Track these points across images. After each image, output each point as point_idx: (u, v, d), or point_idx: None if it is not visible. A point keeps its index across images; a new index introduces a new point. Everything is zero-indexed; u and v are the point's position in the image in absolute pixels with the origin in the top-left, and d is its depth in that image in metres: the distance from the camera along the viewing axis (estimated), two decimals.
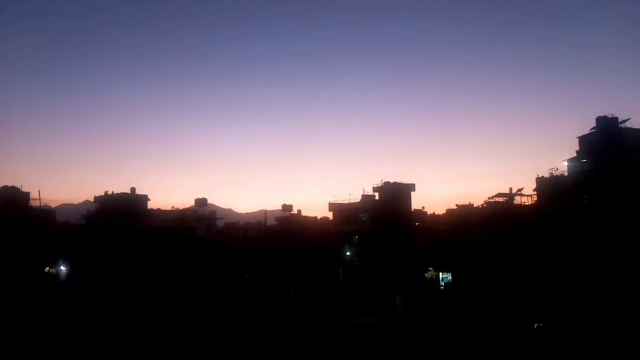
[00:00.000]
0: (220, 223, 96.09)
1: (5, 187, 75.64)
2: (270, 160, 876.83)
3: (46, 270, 73.07)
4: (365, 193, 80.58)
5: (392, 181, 79.11)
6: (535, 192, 69.10)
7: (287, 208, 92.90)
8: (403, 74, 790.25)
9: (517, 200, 76.56)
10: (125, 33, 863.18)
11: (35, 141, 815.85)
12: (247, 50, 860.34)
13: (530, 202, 74.09)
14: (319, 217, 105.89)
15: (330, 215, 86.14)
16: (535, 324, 45.44)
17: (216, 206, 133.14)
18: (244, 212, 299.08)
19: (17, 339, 41.32)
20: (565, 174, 62.78)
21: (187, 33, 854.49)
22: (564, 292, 47.22)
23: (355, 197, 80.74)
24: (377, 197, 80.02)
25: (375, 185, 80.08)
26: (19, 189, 76.38)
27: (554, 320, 44.47)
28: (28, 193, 77.64)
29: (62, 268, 72.56)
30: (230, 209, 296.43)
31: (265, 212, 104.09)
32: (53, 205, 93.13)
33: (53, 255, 70.80)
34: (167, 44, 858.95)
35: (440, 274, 71.63)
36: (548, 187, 63.51)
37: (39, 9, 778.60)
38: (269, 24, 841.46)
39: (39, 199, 78.25)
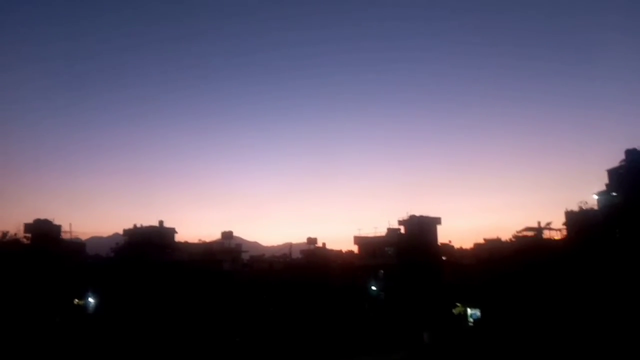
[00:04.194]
0: (246, 256, 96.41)
1: (38, 220, 77.24)
2: (295, 193, 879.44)
3: (75, 302, 74.01)
4: (391, 226, 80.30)
5: (417, 214, 78.70)
6: (564, 226, 67.96)
7: (312, 241, 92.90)
8: (427, 106, 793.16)
9: (546, 234, 75.29)
10: (152, 70, 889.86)
11: (66, 176, 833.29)
12: (271, 86, 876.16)
13: (559, 237, 72.81)
14: (344, 251, 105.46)
15: (355, 248, 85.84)
16: None
17: (242, 239, 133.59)
18: (269, 245, 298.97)
19: None
20: (595, 207, 61.77)
21: (213, 70, 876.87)
22: (598, 330, 45.94)
23: (381, 231, 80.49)
24: (402, 231, 79.58)
25: (400, 219, 79.74)
26: (51, 222, 77.88)
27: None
28: (59, 226, 79.10)
29: (91, 300, 73.47)
30: (256, 242, 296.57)
31: (290, 245, 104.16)
32: (83, 238, 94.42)
33: (83, 287, 71.79)
34: (193, 81, 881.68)
35: (469, 309, 70.40)
36: (578, 221, 62.50)
37: (65, 47, 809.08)
38: (291, 61, 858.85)
39: (70, 232, 79.45)
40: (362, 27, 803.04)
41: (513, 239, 78.43)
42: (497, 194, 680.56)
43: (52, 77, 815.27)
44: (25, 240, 74.68)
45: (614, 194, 59.04)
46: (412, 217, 78.52)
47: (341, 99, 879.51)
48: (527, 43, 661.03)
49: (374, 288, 76.69)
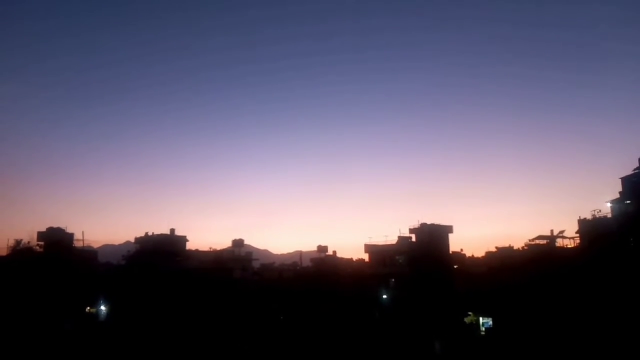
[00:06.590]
0: (256, 264, 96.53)
1: (51, 228, 77.98)
2: (306, 201, 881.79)
3: (87, 310, 74.36)
4: (402, 234, 79.72)
5: (428, 222, 78.18)
6: (577, 235, 67.29)
7: (322, 249, 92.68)
8: (439, 116, 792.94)
9: (559, 242, 74.56)
10: (162, 80, 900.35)
11: (78, 185, 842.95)
12: (281, 96, 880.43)
13: (572, 245, 72.08)
14: (354, 259, 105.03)
15: (365, 256, 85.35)
16: None
17: (252, 247, 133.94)
18: (279, 252, 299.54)
19: None
20: (609, 215, 61.10)
21: (223, 81, 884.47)
22: (613, 339, 45.27)
23: (392, 239, 79.84)
24: (413, 239, 79.02)
25: (411, 227, 79.15)
26: (63, 230, 78.64)
27: None
28: (72, 234, 79.85)
29: (102, 308, 73.77)
30: (266, 250, 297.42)
31: (300, 253, 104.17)
32: (95, 245, 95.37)
33: (94, 294, 72.15)
34: (203, 91, 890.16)
35: (481, 318, 69.64)
36: (591, 229, 61.87)
37: (78, 59, 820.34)
38: (301, 71, 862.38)
39: (83, 240, 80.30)
40: (371, 38, 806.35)
41: (525, 247, 77.78)
42: (509, 202, 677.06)
43: (64, 88, 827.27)
44: (38, 248, 75.53)
45: (628, 201, 58.41)
46: (423, 225, 77.97)
47: (351, 108, 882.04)
48: (538, 53, 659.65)
49: (384, 296, 76.17)
